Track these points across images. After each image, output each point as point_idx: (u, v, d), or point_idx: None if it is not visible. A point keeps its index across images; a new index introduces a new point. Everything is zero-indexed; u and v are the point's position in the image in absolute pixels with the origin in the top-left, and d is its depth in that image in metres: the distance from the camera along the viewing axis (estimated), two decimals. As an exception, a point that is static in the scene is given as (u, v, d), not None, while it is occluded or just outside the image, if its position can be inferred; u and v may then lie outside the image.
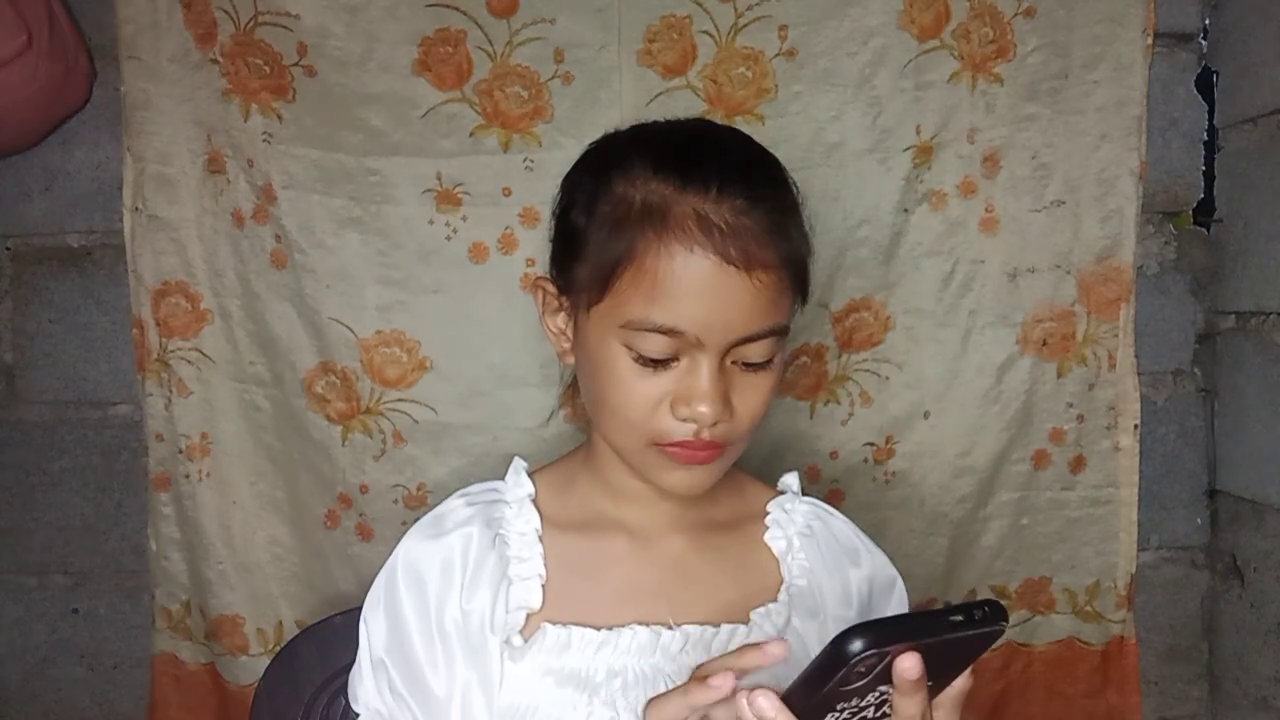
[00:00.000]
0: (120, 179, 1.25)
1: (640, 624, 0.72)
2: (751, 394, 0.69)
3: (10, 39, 1.14)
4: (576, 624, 0.72)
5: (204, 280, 1.25)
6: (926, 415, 1.25)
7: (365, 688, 0.76)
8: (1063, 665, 1.31)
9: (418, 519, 0.79)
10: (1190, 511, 1.37)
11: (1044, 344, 1.25)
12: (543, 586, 0.73)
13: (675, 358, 0.67)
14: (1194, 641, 1.38)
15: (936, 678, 0.49)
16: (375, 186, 1.20)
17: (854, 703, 0.49)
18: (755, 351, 0.68)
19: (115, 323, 1.33)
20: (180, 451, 1.27)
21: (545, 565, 0.74)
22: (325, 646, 1.03)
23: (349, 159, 1.20)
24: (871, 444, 1.26)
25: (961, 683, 0.52)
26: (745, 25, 1.19)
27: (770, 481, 0.85)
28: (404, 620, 0.74)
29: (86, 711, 1.39)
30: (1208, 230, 1.33)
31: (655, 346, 0.66)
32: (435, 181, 1.21)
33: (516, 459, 0.81)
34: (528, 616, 0.72)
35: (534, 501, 0.78)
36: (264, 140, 1.20)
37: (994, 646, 0.54)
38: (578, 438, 0.86)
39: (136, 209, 1.25)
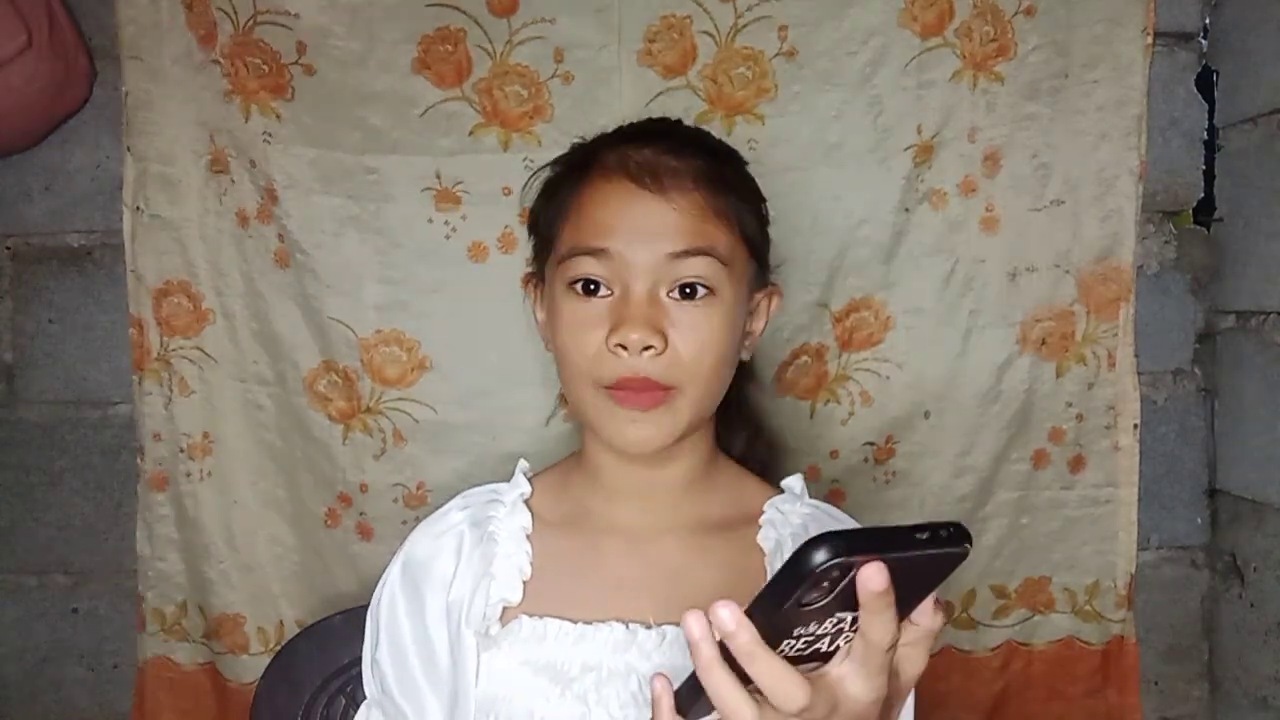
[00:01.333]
0: (120, 179, 1.25)
1: (618, 620, 0.72)
2: (692, 331, 0.69)
3: (10, 39, 1.15)
4: (554, 617, 0.72)
5: (206, 280, 1.25)
6: (927, 415, 1.25)
7: (366, 681, 0.79)
8: (1062, 665, 1.31)
9: (418, 518, 0.82)
10: (1190, 511, 1.37)
11: (1043, 343, 1.25)
12: (524, 583, 0.74)
13: (609, 288, 0.70)
14: (1194, 641, 1.38)
15: (904, 599, 0.47)
16: (374, 185, 1.21)
17: (811, 629, 0.46)
18: (687, 273, 0.69)
19: (115, 323, 1.33)
20: (181, 451, 1.27)
21: (532, 563, 0.75)
22: (325, 646, 1.03)
23: (348, 158, 1.20)
24: (871, 443, 1.26)
25: (930, 621, 0.49)
26: (745, 25, 1.19)
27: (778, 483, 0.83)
28: (399, 623, 0.77)
29: (86, 711, 1.39)
30: (1208, 230, 1.33)
31: (585, 270, 0.70)
32: (435, 180, 1.21)
33: (521, 461, 0.83)
34: (504, 609, 0.73)
35: (527, 502, 0.78)
36: (264, 140, 1.20)
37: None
38: (578, 437, 0.86)
39: (138, 209, 1.25)
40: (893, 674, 0.48)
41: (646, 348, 0.67)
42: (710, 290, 0.70)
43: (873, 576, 0.43)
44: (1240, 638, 1.32)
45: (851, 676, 0.47)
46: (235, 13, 1.19)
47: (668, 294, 0.69)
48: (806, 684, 0.45)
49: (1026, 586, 1.30)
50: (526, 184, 0.82)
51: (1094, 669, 1.31)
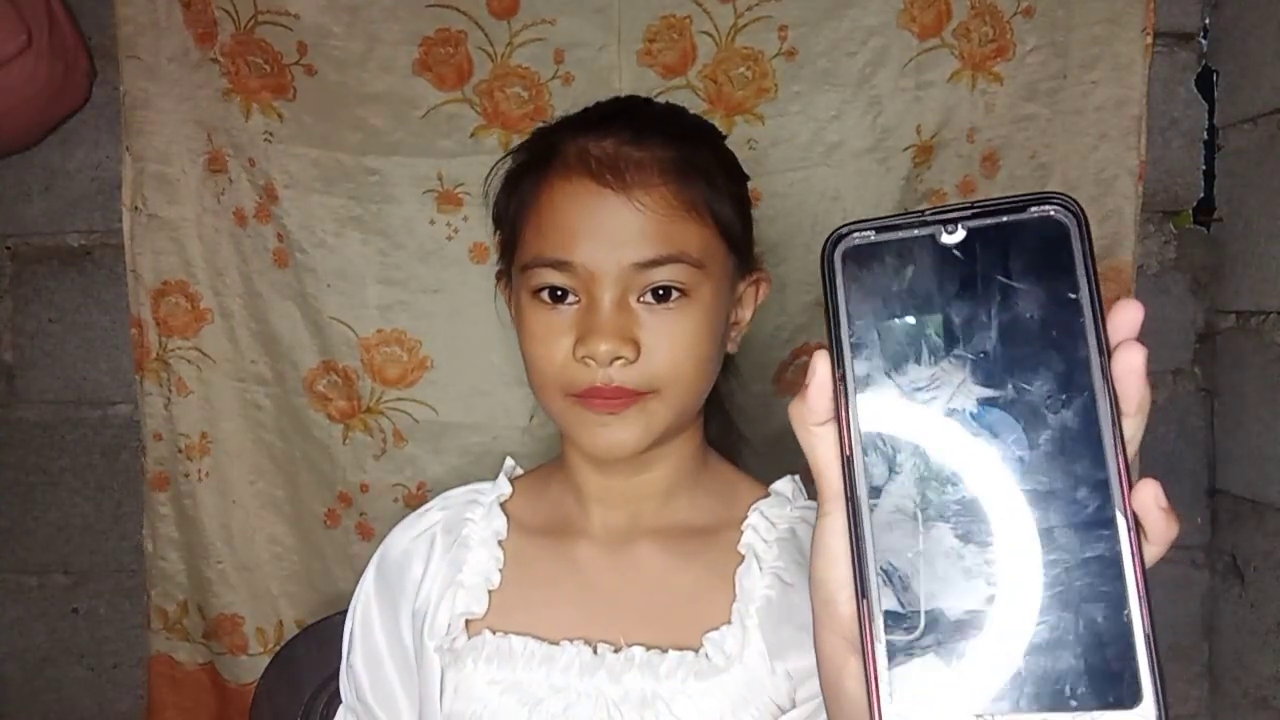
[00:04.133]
0: (119, 179, 1.25)
1: (586, 641, 0.69)
2: (665, 336, 0.65)
3: (10, 39, 1.15)
4: (522, 633, 0.70)
5: (204, 280, 1.26)
6: (926, 415, 1.25)
7: (343, 686, 0.78)
8: (1063, 665, 1.31)
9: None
10: (1190, 511, 1.37)
11: (1044, 343, 1.25)
12: (490, 593, 0.71)
13: (575, 295, 0.65)
14: (1194, 641, 1.38)
15: None
16: (375, 186, 1.21)
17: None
18: (657, 279, 0.65)
19: (115, 323, 1.33)
20: (180, 451, 1.27)
21: (503, 571, 0.72)
22: (325, 646, 1.02)
23: (349, 158, 1.20)
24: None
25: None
26: (745, 25, 1.19)
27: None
28: (373, 629, 0.76)
29: (86, 711, 1.39)
30: (1208, 230, 1.33)
31: (549, 280, 0.66)
32: (436, 181, 1.21)
33: (508, 460, 0.80)
34: (468, 622, 0.71)
35: (504, 505, 0.76)
36: (265, 140, 1.20)
37: None
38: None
39: (136, 208, 1.25)
40: None
41: (616, 358, 0.64)
42: (684, 292, 0.65)
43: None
44: (1240, 638, 1.31)
45: None
46: (236, 12, 1.19)
47: (638, 299, 0.65)
48: None
49: (1026, 586, 1.29)
50: (489, 175, 0.76)
51: (1094, 669, 1.31)
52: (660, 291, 0.65)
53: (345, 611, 1.04)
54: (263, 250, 1.24)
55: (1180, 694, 1.38)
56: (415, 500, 1.25)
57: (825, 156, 1.21)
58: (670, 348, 0.65)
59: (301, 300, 1.23)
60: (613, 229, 0.65)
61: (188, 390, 1.27)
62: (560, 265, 0.65)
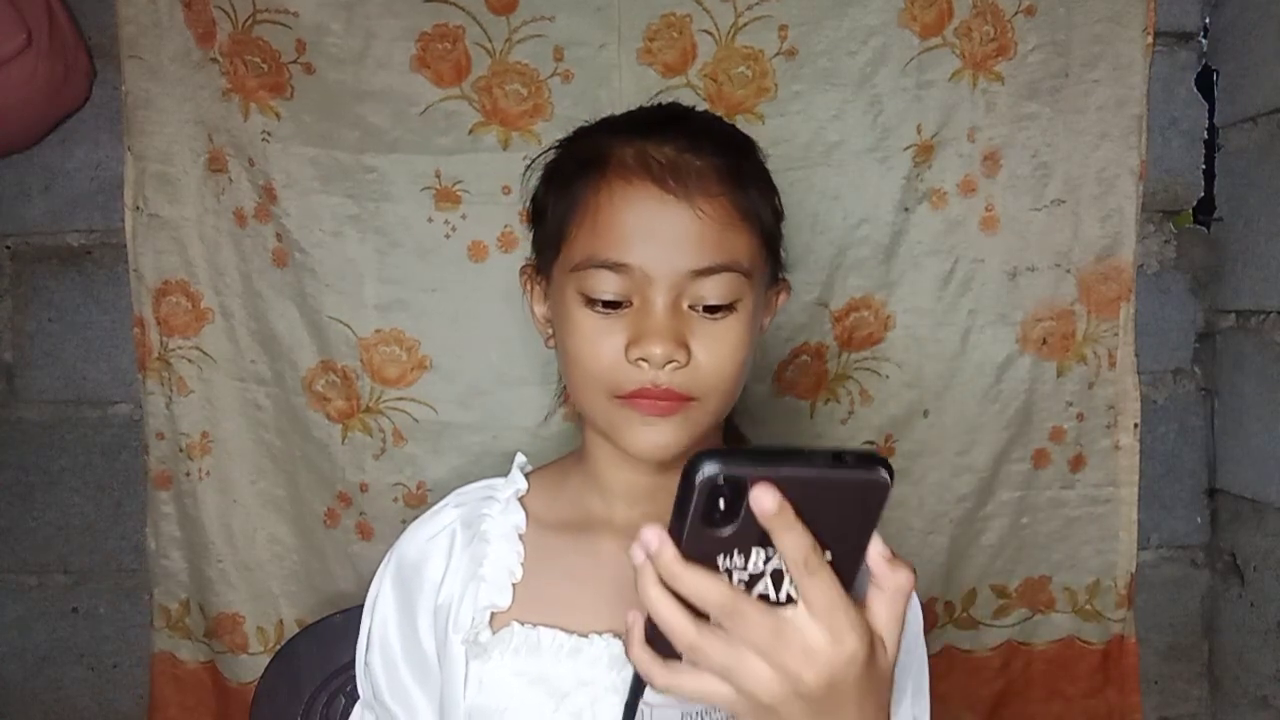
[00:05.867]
0: (120, 178, 1.25)
1: (614, 634, 0.69)
2: (714, 344, 0.66)
3: (10, 38, 1.15)
4: (549, 626, 0.70)
5: (205, 279, 1.25)
6: (926, 414, 1.25)
7: (360, 683, 0.78)
8: (1063, 664, 1.31)
9: (417, 518, 0.80)
10: (1190, 510, 1.37)
11: (1044, 343, 1.25)
12: (514, 585, 0.72)
13: (628, 300, 0.66)
14: (1194, 641, 1.38)
15: (831, 540, 0.44)
16: (373, 184, 1.21)
17: (740, 561, 0.45)
18: (711, 290, 0.66)
19: (115, 322, 1.33)
20: (181, 450, 1.27)
21: (524, 564, 0.73)
22: (325, 645, 1.03)
23: (347, 156, 1.20)
24: (871, 443, 1.26)
25: (890, 579, 0.46)
26: (745, 24, 1.19)
27: None
28: (389, 628, 0.76)
29: (86, 711, 1.39)
30: (1208, 229, 1.33)
31: (605, 285, 0.66)
32: (434, 179, 1.21)
33: (519, 455, 0.81)
34: (493, 615, 0.71)
35: (522, 500, 0.76)
36: (263, 139, 1.20)
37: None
38: (577, 436, 0.86)
39: (138, 208, 1.25)
40: (875, 641, 0.46)
41: (669, 362, 0.65)
42: (733, 303, 0.67)
43: (761, 496, 0.42)
44: (1240, 637, 1.31)
45: (803, 620, 0.45)
46: (234, 11, 1.19)
47: (689, 306, 0.66)
48: (736, 594, 0.44)
49: (1027, 586, 1.30)
50: (529, 170, 0.77)
51: (1094, 668, 1.31)
52: (711, 306, 0.67)
53: (346, 611, 1.05)
54: (262, 250, 1.24)
55: (1180, 694, 1.38)
56: (415, 500, 1.25)
57: (825, 156, 1.21)
58: (718, 355, 0.67)
59: (300, 300, 1.23)
60: (672, 233, 0.65)
61: (189, 390, 1.27)
62: (616, 266, 0.66)
